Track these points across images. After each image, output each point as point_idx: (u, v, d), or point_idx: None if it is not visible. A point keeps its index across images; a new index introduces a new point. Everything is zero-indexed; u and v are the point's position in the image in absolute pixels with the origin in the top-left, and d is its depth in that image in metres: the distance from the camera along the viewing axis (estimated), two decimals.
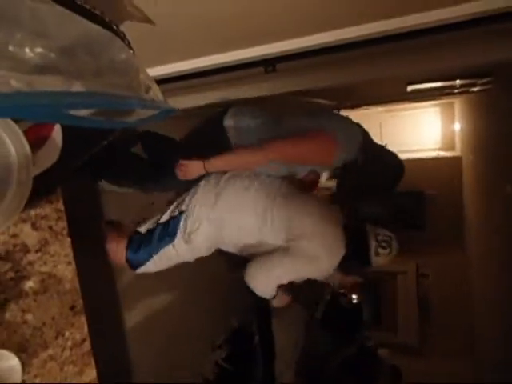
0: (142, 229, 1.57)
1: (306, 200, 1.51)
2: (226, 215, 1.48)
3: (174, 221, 1.52)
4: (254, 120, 1.59)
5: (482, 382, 4.27)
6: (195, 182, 1.63)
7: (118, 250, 1.56)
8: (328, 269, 1.46)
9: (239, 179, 1.53)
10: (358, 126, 1.61)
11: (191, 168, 1.51)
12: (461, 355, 4.74)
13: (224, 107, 1.66)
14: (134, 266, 1.56)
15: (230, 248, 1.59)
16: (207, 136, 1.61)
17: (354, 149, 1.53)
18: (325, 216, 1.47)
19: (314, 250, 1.39)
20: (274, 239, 1.45)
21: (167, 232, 1.52)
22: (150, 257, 1.53)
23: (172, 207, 1.57)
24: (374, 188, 1.67)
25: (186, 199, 1.55)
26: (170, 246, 1.51)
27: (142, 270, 1.56)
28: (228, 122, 1.60)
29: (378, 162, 1.58)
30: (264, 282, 1.44)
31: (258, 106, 1.69)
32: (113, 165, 1.63)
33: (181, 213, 1.52)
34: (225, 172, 1.56)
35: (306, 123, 1.53)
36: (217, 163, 1.50)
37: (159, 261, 1.55)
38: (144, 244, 1.53)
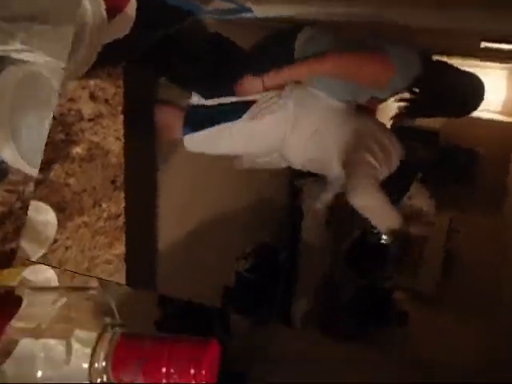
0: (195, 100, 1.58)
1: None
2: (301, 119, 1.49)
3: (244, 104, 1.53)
4: (325, 46, 1.52)
5: (487, 345, 4.28)
6: None
7: (173, 126, 1.58)
8: None
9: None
10: (422, 56, 1.54)
11: (249, 85, 1.51)
12: (475, 316, 4.72)
13: (296, 27, 1.60)
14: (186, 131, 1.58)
15: (290, 157, 1.60)
16: (274, 55, 1.56)
17: (409, 78, 1.51)
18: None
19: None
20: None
21: (234, 109, 1.53)
22: (203, 128, 1.55)
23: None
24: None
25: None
26: (231, 123, 1.53)
27: (189, 137, 1.57)
28: (299, 43, 1.53)
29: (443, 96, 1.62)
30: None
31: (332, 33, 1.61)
32: (175, 63, 1.60)
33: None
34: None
35: (368, 42, 1.52)
36: (274, 79, 1.49)
37: (210, 136, 1.57)
38: (203, 117, 1.55)
